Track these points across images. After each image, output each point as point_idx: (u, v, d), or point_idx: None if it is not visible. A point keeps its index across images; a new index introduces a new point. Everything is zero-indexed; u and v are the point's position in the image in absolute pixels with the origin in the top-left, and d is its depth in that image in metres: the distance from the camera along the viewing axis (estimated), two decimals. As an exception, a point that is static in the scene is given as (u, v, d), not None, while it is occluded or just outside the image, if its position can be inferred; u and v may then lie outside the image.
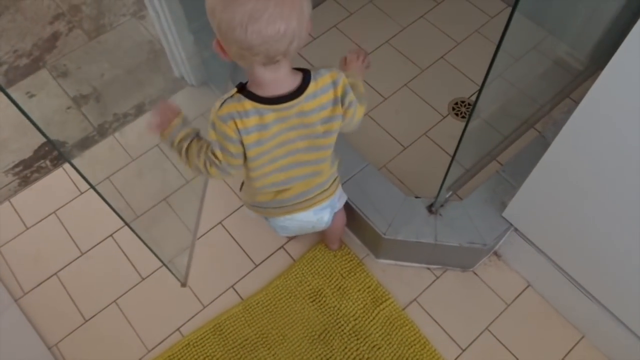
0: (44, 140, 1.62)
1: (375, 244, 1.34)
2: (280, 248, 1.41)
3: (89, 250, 1.43)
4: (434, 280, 1.35)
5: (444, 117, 1.58)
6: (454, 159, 1.09)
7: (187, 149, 0.94)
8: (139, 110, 1.68)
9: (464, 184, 1.36)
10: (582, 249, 1.12)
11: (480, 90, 0.88)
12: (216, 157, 0.90)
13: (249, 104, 0.84)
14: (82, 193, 1.51)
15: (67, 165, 1.56)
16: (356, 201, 1.29)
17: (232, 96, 0.85)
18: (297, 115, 0.87)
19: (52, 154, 1.60)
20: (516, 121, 1.42)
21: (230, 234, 1.44)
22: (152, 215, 1.48)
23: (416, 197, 1.31)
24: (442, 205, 1.28)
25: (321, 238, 1.40)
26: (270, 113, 0.85)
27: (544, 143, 1.37)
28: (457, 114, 1.59)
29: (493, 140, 1.41)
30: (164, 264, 1.25)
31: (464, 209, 1.28)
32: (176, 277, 1.32)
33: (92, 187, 0.95)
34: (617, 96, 0.82)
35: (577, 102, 1.52)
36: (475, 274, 1.36)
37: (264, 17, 0.71)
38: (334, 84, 0.87)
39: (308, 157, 0.95)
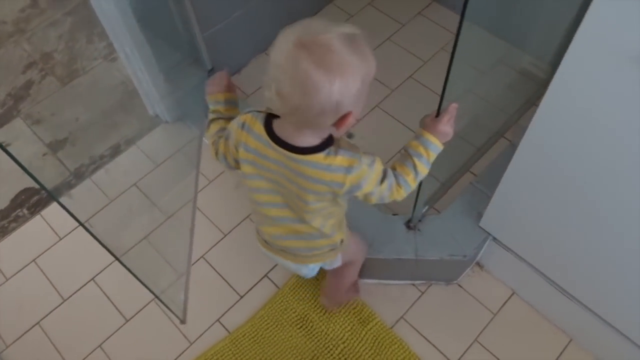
0: (20, 188, 1.61)
1: (357, 264, 1.34)
2: (264, 277, 1.41)
3: (71, 295, 1.41)
4: (420, 296, 1.35)
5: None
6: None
7: (211, 121, 0.99)
8: (115, 151, 1.68)
9: (440, 197, 1.38)
10: (559, 252, 1.13)
11: (440, 103, 0.90)
12: (220, 145, 0.94)
13: (259, 128, 0.84)
14: (61, 239, 1.50)
15: (45, 212, 1.56)
16: (335, 223, 1.30)
17: (259, 112, 0.86)
18: (290, 169, 0.84)
19: (29, 202, 1.59)
20: (486, 132, 1.45)
21: (213, 267, 1.43)
22: (138, 251, 1.47)
23: (394, 215, 1.32)
24: (420, 221, 1.29)
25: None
26: (271, 150, 0.84)
27: (514, 151, 1.40)
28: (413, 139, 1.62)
29: (465, 153, 1.43)
30: (162, 302, 1.24)
31: (442, 223, 1.29)
32: (175, 315, 1.31)
33: (81, 224, 0.92)
34: (571, 98, 0.84)
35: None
36: (459, 286, 1.36)
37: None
38: (348, 169, 0.82)
39: (291, 211, 0.94)
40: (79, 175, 1.64)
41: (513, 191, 1.11)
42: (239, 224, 1.50)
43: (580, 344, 1.26)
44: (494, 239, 1.27)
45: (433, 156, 0.92)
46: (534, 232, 1.15)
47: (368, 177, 0.85)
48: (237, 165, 0.94)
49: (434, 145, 0.92)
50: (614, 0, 0.67)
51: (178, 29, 1.51)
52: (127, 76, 1.80)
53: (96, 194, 1.59)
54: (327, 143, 0.82)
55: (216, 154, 0.97)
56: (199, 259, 1.45)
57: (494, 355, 1.26)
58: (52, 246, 1.49)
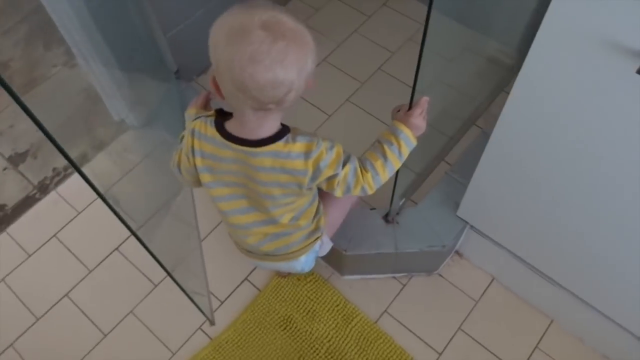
0: (-17, 206, 1.55)
1: (338, 262, 1.33)
2: (244, 280, 1.38)
3: (45, 313, 1.36)
4: (402, 289, 1.35)
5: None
6: (398, 169, 1.09)
7: (182, 138, 0.95)
8: (81, 160, 1.62)
9: (416, 189, 1.38)
10: (534, 236, 1.15)
11: (412, 95, 0.89)
12: (174, 157, 0.94)
13: (211, 131, 0.83)
14: (29, 256, 1.45)
15: (11, 229, 1.49)
16: (313, 222, 1.29)
17: (207, 116, 0.85)
18: (250, 166, 0.83)
19: (-7, 219, 1.53)
20: (458, 121, 1.45)
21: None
22: (111, 262, 1.43)
23: (371, 209, 1.31)
24: (397, 214, 1.28)
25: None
26: (227, 150, 0.83)
27: (486, 138, 1.41)
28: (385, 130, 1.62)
29: (438, 142, 1.43)
30: (195, 304, 1.20)
31: (419, 214, 1.29)
32: (206, 317, 1.29)
33: (100, 196, 0.85)
34: (540, 85, 0.85)
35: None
36: (440, 276, 1.37)
37: (265, 62, 0.70)
38: (308, 154, 0.82)
39: (255, 213, 0.92)
40: (44, 189, 1.58)
41: (488, 179, 1.12)
42: (214, 229, 1.47)
43: (561, 324, 1.28)
44: (472, 227, 1.27)
45: (405, 147, 0.91)
46: (510, 218, 1.16)
47: (328, 159, 0.83)
48: (188, 176, 0.93)
49: (405, 135, 0.90)
50: (580, -14, 0.67)
51: (139, 31, 1.46)
52: (89, 82, 1.74)
53: (63, 207, 1.53)
54: (284, 131, 0.82)
55: (173, 164, 0.95)
56: (174, 269, 1.41)
57: (478, 342, 1.27)
58: (20, 264, 1.43)
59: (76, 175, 1.59)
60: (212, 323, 1.32)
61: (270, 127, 0.81)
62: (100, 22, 1.34)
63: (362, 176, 0.88)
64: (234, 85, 0.73)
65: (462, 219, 1.27)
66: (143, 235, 1.50)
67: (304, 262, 1.05)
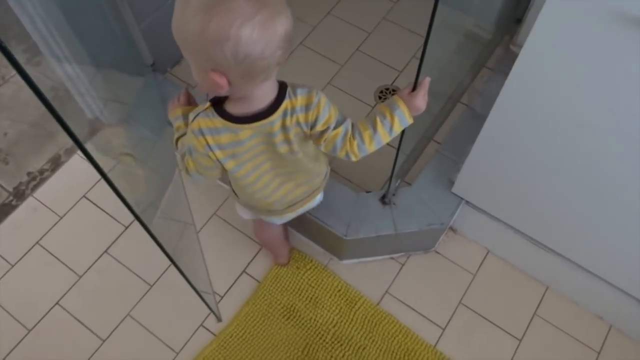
0: (-46, 217, 1.46)
1: (337, 247, 1.32)
2: (242, 273, 1.37)
3: (36, 325, 1.31)
4: (400, 269, 1.37)
5: (373, 107, 1.60)
6: (399, 148, 1.09)
7: (176, 141, 0.96)
8: (56, 163, 1.55)
9: (408, 169, 1.38)
10: (531, 207, 1.17)
11: (417, 76, 0.89)
12: (188, 163, 0.90)
13: (219, 122, 0.81)
14: (12, 266, 1.38)
15: (-11, 239, 1.42)
16: (309, 209, 1.27)
17: (204, 110, 0.82)
18: (266, 134, 0.84)
19: (-32, 230, 1.44)
20: (442, 99, 1.46)
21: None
22: (100, 267, 1.38)
23: (367, 192, 1.31)
24: (394, 195, 1.29)
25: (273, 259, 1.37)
26: (244, 131, 0.82)
27: (473, 114, 1.43)
28: (383, 102, 1.61)
29: (426, 122, 1.44)
30: (204, 301, 1.16)
31: (415, 194, 1.30)
32: (214, 314, 1.27)
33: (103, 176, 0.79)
34: (545, 59, 0.85)
35: (492, 70, 1.58)
36: (437, 252, 1.39)
37: (272, 21, 0.68)
38: (308, 107, 0.83)
39: (281, 170, 0.93)
40: (20, 195, 1.50)
41: (484, 157, 1.13)
42: (207, 222, 1.44)
43: (556, 290, 1.33)
44: (467, 202, 1.29)
45: (398, 124, 0.90)
46: (506, 192, 1.18)
47: (324, 114, 0.84)
48: (210, 172, 0.91)
49: (401, 112, 0.89)
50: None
51: (111, 22, 1.39)
52: (57, 80, 1.65)
53: (43, 212, 1.46)
54: (283, 87, 0.82)
55: (187, 171, 0.93)
56: (169, 267, 1.38)
57: (479, 314, 1.30)
58: (4, 275, 1.37)
59: (54, 178, 1.53)
60: (219, 319, 1.29)
61: (273, 89, 0.81)
62: (70, 15, 1.27)
63: (349, 143, 0.89)
64: (260, 60, 0.69)
65: (457, 195, 1.29)
66: (132, 236, 1.45)
67: (319, 199, 1.09)
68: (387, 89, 1.63)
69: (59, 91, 1.67)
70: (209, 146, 0.83)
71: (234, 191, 1.04)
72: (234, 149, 0.85)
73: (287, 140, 0.86)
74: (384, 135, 0.90)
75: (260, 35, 0.67)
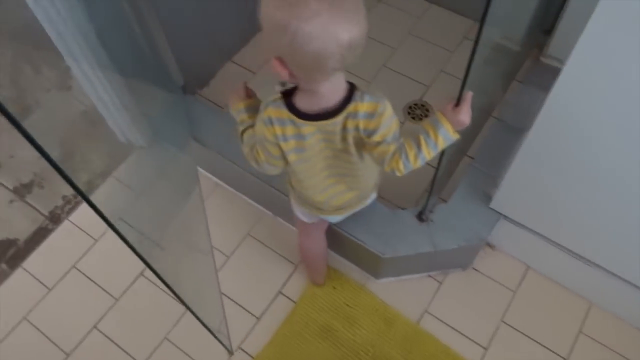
0: (-8, 242, 1.48)
1: (374, 265, 1.31)
2: (277, 294, 1.35)
3: (75, 349, 1.31)
4: (439, 287, 1.34)
5: (403, 123, 1.59)
6: (439, 166, 1.08)
7: (241, 133, 0.96)
8: (91, 187, 1.57)
9: (444, 185, 1.36)
10: (574, 218, 1.15)
11: (461, 91, 0.88)
12: (258, 154, 0.92)
13: (286, 114, 0.83)
14: (50, 290, 1.39)
15: (26, 264, 1.43)
16: (345, 226, 1.26)
17: (274, 100, 0.84)
18: (328, 132, 0.85)
19: (5, 255, 1.45)
20: (476, 112, 1.44)
21: (223, 294, 1.36)
22: (136, 289, 1.38)
23: (403, 209, 1.30)
24: (431, 211, 1.27)
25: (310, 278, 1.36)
26: (308, 127, 0.84)
27: (505, 127, 1.41)
28: (413, 117, 1.60)
29: (462, 137, 1.42)
30: (216, 338, 1.17)
31: (451, 210, 1.28)
32: (225, 347, 1.25)
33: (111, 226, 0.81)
34: (591, 72, 0.84)
35: (522, 82, 1.56)
36: (475, 269, 1.36)
37: (334, 25, 0.68)
38: (371, 115, 0.83)
39: (334, 170, 0.94)
40: (56, 219, 1.51)
41: (527, 171, 1.11)
42: (241, 243, 1.43)
43: (601, 306, 1.29)
44: (505, 217, 1.27)
45: (442, 142, 0.89)
46: (547, 205, 1.16)
47: (387, 124, 0.84)
48: (277, 161, 0.93)
49: (445, 131, 0.88)
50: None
51: (145, 45, 1.41)
52: (89, 104, 1.68)
53: (79, 235, 1.47)
54: (352, 89, 0.82)
55: (257, 163, 0.95)
56: (205, 286, 1.37)
57: (522, 333, 1.27)
58: (42, 299, 1.37)
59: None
60: (230, 353, 1.28)
61: (341, 89, 0.82)
62: (106, 39, 1.29)
63: (395, 161, 0.89)
64: (314, 58, 0.71)
65: (495, 210, 1.26)
66: (157, 261, 1.46)
67: (369, 202, 1.10)
68: (416, 104, 1.62)
69: (90, 115, 1.69)
70: (276, 136, 0.86)
71: (291, 184, 1.05)
72: (297, 142, 0.86)
73: (345, 141, 0.86)
74: (428, 153, 0.89)
75: (317, 36, 0.68)
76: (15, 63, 1.84)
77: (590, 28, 0.78)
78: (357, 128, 0.84)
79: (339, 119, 0.82)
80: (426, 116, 1.59)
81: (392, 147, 0.86)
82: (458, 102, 0.89)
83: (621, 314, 1.28)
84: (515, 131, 1.37)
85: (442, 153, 1.05)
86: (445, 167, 1.35)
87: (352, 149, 0.88)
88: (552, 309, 1.30)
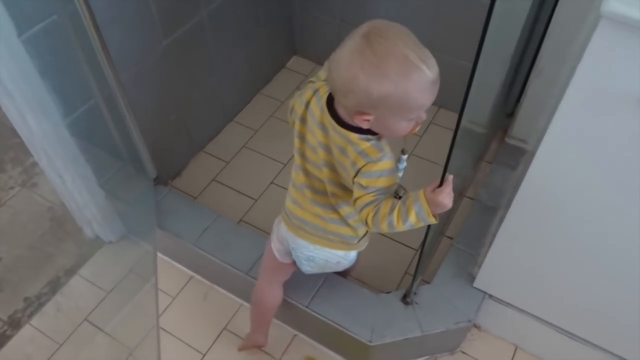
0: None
1: (360, 354, 1.25)
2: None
3: None
4: (429, 374, 1.29)
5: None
6: (423, 247, 1.08)
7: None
8: (54, 287, 1.48)
9: (426, 267, 1.35)
10: (559, 295, 1.14)
11: (443, 173, 0.89)
12: (290, 104, 0.97)
13: (324, 98, 0.89)
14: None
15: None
16: (328, 314, 1.21)
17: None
18: (330, 137, 0.90)
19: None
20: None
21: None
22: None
23: (387, 293, 1.27)
24: (415, 294, 1.24)
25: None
26: (326, 117, 0.89)
27: (481, 207, 1.44)
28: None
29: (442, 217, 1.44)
30: None
31: (436, 291, 1.26)
32: None
33: None
34: (566, 151, 0.87)
35: (491, 163, 1.62)
36: (463, 353, 1.32)
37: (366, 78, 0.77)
38: (366, 155, 0.85)
39: (309, 183, 0.99)
40: (15, 324, 1.40)
41: (508, 250, 1.12)
42: (215, 340, 1.35)
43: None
44: (490, 296, 1.25)
45: (414, 216, 0.85)
46: (532, 283, 1.15)
47: (374, 175, 0.85)
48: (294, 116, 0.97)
49: (420, 206, 0.85)
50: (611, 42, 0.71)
51: (115, 138, 1.40)
52: (55, 200, 1.63)
53: (40, 341, 1.36)
54: (368, 132, 0.86)
55: (291, 107, 0.98)
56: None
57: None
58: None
59: (50, 304, 1.44)
60: None
61: (344, 115, 0.87)
62: (77, 134, 1.27)
63: (367, 212, 0.88)
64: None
65: (479, 289, 1.25)
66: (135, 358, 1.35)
67: (347, 257, 1.07)
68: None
69: (56, 211, 1.64)
70: (307, 103, 0.92)
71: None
72: (304, 126, 0.93)
73: (341, 167, 0.90)
74: (397, 220, 0.86)
75: (342, 74, 0.79)
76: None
77: (562, 109, 0.82)
78: (353, 163, 0.86)
79: (344, 133, 0.86)
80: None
81: (370, 198, 0.86)
82: (440, 184, 0.91)
83: (616, 391, 1.24)
84: (490, 210, 1.40)
85: (426, 234, 1.05)
86: (429, 248, 1.35)
87: (338, 168, 0.91)
88: (547, 391, 1.25)
